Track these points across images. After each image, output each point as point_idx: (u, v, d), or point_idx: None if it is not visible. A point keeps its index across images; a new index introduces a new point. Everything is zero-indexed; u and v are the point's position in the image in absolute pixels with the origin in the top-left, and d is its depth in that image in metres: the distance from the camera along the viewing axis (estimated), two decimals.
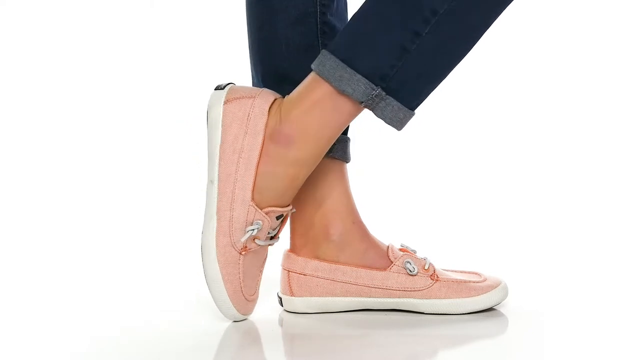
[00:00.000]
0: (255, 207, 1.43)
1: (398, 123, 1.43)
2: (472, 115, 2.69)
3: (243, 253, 1.44)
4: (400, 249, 1.55)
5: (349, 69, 1.39)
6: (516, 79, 2.72)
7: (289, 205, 1.47)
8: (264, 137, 1.44)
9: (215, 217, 1.43)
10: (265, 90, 1.47)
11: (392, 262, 1.53)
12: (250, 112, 1.45)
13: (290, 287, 1.54)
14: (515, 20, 2.64)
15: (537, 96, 2.69)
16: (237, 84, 1.48)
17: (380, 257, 1.54)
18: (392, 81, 1.40)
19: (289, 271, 1.54)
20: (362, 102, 1.41)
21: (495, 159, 2.60)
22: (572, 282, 1.75)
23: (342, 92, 1.40)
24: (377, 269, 1.53)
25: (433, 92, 1.44)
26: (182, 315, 1.53)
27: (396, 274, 1.52)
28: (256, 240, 1.45)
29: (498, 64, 2.72)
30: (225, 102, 1.45)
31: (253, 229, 1.43)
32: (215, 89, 1.47)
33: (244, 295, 1.46)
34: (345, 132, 1.57)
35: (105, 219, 2.22)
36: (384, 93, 1.40)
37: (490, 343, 1.43)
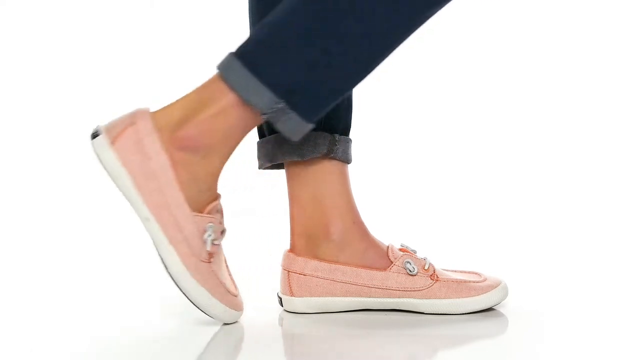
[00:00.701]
0: (199, 214, 1.41)
1: (295, 134, 1.42)
2: (472, 116, 2.69)
3: (210, 261, 1.43)
4: (400, 249, 1.55)
5: (255, 80, 1.38)
6: (516, 80, 2.72)
7: (217, 193, 1.45)
8: (167, 151, 1.40)
9: (171, 247, 1.40)
10: (137, 111, 1.43)
11: (392, 262, 1.53)
12: (140, 137, 1.40)
13: (290, 287, 1.54)
14: (514, 20, 2.65)
15: (537, 97, 2.69)
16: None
17: (380, 257, 1.54)
18: (296, 96, 1.38)
19: (288, 271, 1.54)
20: (265, 114, 1.39)
21: (495, 159, 2.60)
22: (572, 282, 1.75)
23: (246, 101, 1.39)
24: (377, 269, 1.53)
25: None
26: (182, 316, 1.53)
27: (396, 274, 1.52)
28: (215, 242, 1.43)
29: (498, 65, 2.72)
30: (111, 144, 1.40)
31: (210, 234, 1.42)
32: (92, 139, 1.41)
33: (231, 294, 1.46)
34: (347, 132, 1.57)
35: (105, 219, 2.22)
36: (287, 107, 1.39)
37: (490, 343, 1.43)
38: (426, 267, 1.53)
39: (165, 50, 2.73)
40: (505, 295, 1.54)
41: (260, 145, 1.58)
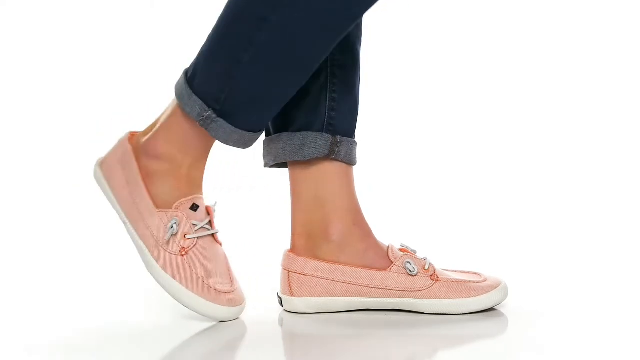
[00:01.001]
0: (163, 210, 1.49)
1: (237, 143, 1.49)
2: (473, 117, 2.69)
3: (184, 254, 1.48)
4: (400, 249, 1.55)
5: (188, 89, 1.47)
6: (515, 81, 2.72)
7: (196, 194, 1.51)
8: (138, 160, 1.53)
9: (141, 242, 1.49)
10: (124, 134, 1.57)
11: (392, 262, 1.53)
12: (121, 153, 1.55)
13: (290, 287, 1.54)
14: (514, 20, 2.65)
15: (537, 98, 2.69)
16: None
17: (380, 257, 1.54)
18: (224, 104, 1.45)
19: (288, 271, 1.54)
20: (198, 122, 1.47)
21: (495, 159, 2.60)
22: (572, 282, 1.75)
23: (182, 110, 1.48)
24: (377, 269, 1.53)
25: (275, 113, 1.50)
26: (183, 316, 1.53)
27: (396, 274, 1.52)
28: (187, 236, 1.48)
29: (497, 65, 2.72)
30: (100, 164, 1.56)
31: (172, 227, 1.48)
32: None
33: (215, 289, 1.47)
34: (351, 134, 1.57)
35: (104, 219, 2.22)
36: (214, 115, 1.46)
37: (490, 343, 1.43)
38: (426, 267, 1.53)
39: (164, 50, 2.73)
40: (506, 295, 1.54)
41: (265, 144, 1.59)
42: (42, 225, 2.10)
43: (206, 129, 1.47)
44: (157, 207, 1.50)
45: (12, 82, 2.73)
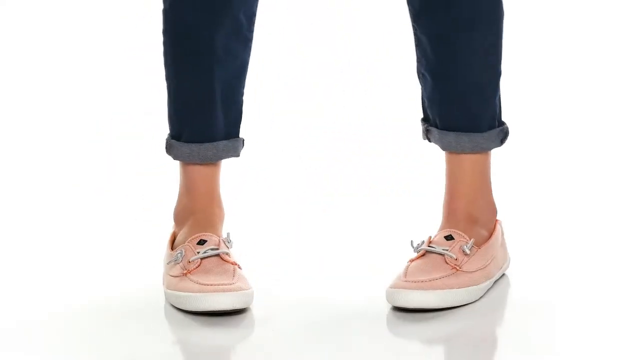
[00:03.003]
0: (170, 251, 1.61)
1: (191, 157, 1.61)
2: None
3: (186, 273, 1.53)
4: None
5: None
6: (515, 81, 2.71)
7: (207, 232, 1.58)
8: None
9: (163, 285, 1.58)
10: None
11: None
12: None
13: None
14: (514, 21, 2.64)
15: (536, 97, 2.69)
16: None
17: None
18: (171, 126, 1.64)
19: None
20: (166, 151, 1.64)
21: (496, 158, 2.59)
22: (572, 281, 1.74)
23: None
24: None
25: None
26: (183, 316, 1.53)
27: None
28: (190, 259, 1.54)
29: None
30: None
31: (176, 258, 1.55)
32: None
33: (211, 285, 1.49)
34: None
35: (104, 219, 2.22)
36: (169, 138, 1.64)
37: (490, 342, 1.43)
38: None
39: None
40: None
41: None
42: (42, 225, 2.09)
43: (168, 153, 1.61)
44: (171, 249, 1.61)
45: (12, 82, 2.73)
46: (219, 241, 1.55)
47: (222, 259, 1.53)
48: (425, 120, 1.63)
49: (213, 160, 1.59)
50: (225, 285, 1.48)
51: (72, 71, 2.75)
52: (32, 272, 1.77)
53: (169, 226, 1.65)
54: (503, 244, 1.64)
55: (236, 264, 1.53)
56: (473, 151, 1.60)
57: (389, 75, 2.66)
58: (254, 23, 1.59)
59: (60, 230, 1.99)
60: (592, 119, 2.59)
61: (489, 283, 1.56)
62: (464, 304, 1.52)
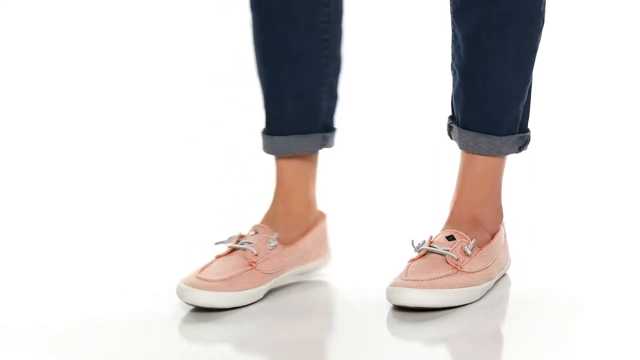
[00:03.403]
0: None
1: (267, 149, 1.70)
2: None
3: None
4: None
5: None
6: None
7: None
8: None
9: None
10: None
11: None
12: None
13: None
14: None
15: (540, 101, 2.70)
16: None
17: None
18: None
19: None
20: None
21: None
22: (572, 281, 1.74)
23: None
24: None
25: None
26: (184, 317, 1.53)
27: None
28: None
29: None
30: None
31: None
32: None
33: (202, 278, 1.53)
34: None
35: (104, 219, 2.22)
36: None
37: (490, 342, 1.43)
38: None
39: (165, 50, 2.73)
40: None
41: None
42: (42, 225, 2.10)
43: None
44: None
45: (12, 82, 2.73)
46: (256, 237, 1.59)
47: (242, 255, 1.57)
48: (451, 117, 1.64)
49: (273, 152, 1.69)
50: (212, 282, 1.51)
51: (72, 71, 2.76)
52: (32, 273, 1.77)
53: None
54: (505, 246, 1.64)
55: (253, 264, 1.56)
56: (489, 154, 1.59)
57: (390, 76, 2.66)
58: None
59: (60, 230, 1.99)
60: (595, 122, 2.60)
61: (489, 284, 1.56)
62: (464, 303, 1.52)
